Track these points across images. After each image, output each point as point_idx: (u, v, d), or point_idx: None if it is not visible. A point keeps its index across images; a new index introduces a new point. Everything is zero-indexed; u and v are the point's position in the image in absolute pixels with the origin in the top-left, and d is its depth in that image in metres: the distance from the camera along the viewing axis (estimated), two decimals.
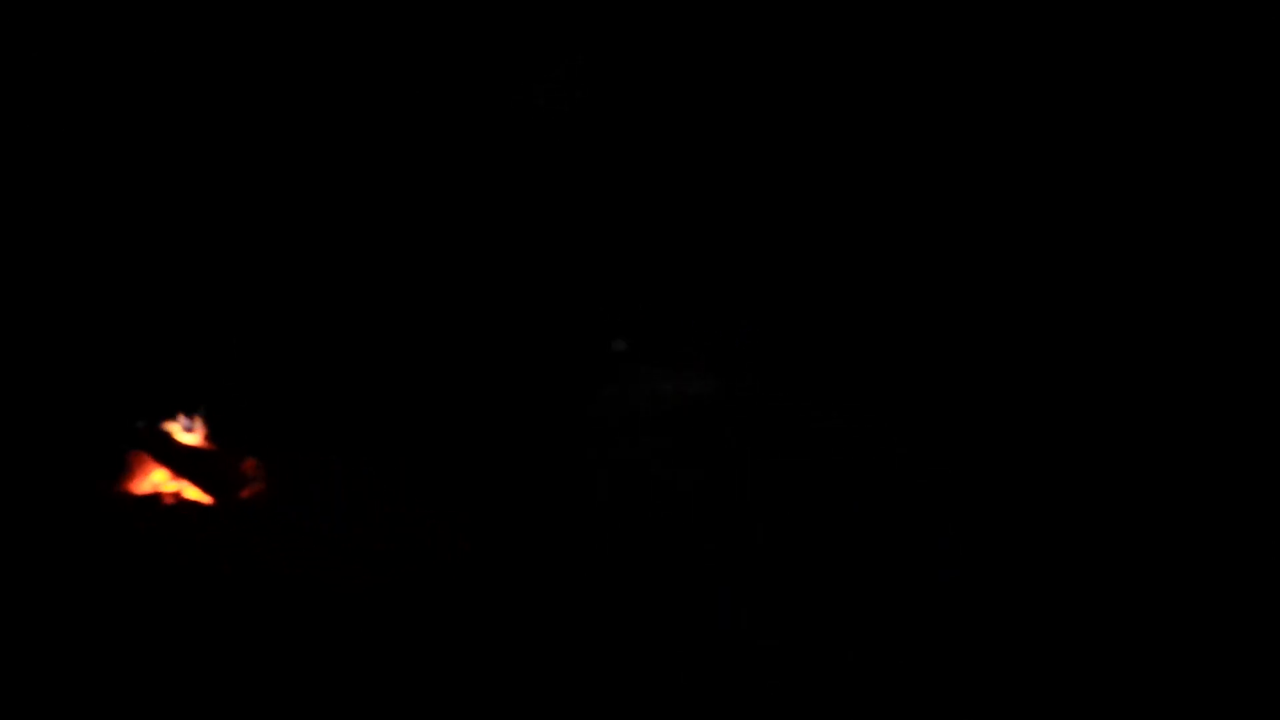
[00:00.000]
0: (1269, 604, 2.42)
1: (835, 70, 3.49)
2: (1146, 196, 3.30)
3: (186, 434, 2.75)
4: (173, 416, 2.75)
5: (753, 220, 3.69)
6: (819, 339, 3.51)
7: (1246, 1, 3.15)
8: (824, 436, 3.05)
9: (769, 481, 2.86)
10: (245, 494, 2.65)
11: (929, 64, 3.43)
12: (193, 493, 2.65)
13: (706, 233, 3.71)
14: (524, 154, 3.52)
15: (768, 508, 2.75)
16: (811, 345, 3.49)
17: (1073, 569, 2.54)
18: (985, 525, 2.69)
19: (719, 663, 2.27)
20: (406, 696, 2.18)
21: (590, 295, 3.66)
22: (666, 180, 3.68)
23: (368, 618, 2.33)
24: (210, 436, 2.77)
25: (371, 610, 2.35)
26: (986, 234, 3.47)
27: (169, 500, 2.61)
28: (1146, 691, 2.24)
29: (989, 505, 2.76)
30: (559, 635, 2.32)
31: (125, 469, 2.67)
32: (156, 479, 2.68)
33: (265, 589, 2.38)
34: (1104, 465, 2.90)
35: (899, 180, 3.54)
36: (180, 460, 2.69)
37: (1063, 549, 2.61)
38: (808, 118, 3.56)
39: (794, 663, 2.27)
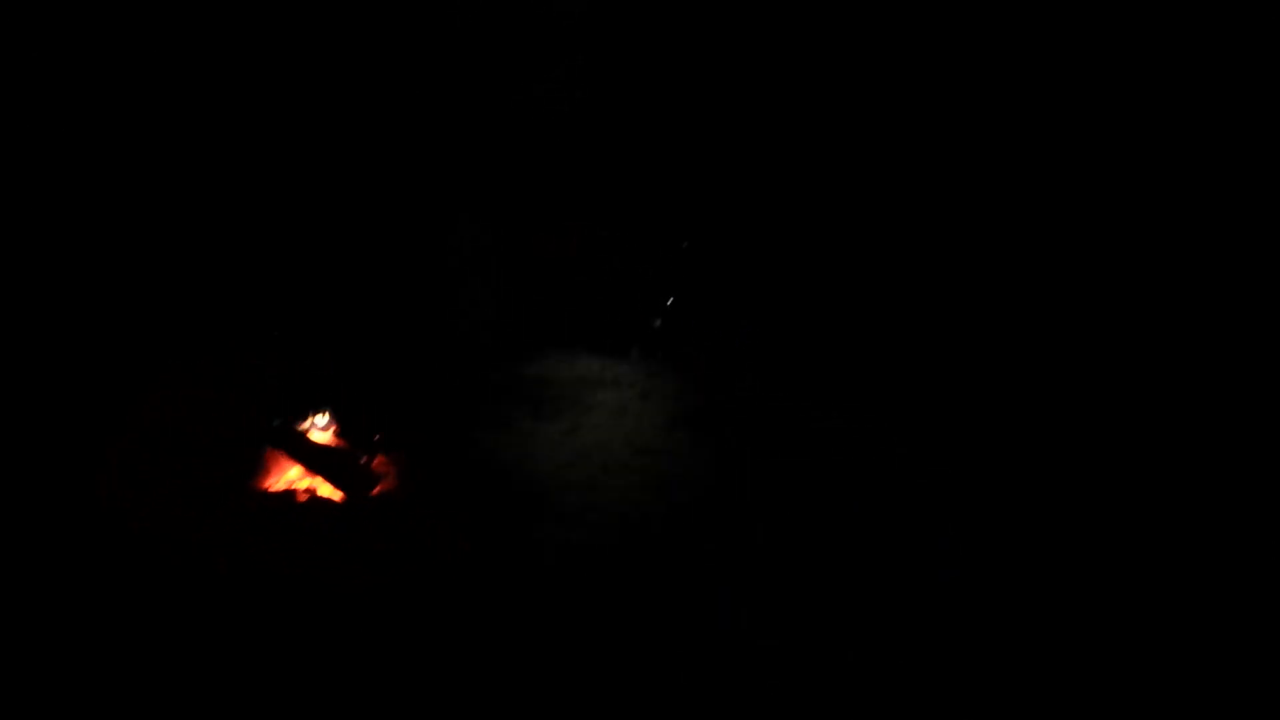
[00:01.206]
0: (1268, 604, 2.43)
1: (835, 72, 3.49)
2: (1145, 198, 3.30)
3: (319, 432, 2.79)
4: (306, 416, 2.79)
5: (753, 222, 3.69)
6: (819, 339, 3.51)
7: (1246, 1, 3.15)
8: (824, 436, 3.06)
9: (769, 481, 2.87)
10: (375, 492, 2.69)
11: (928, 66, 3.43)
12: (325, 489, 2.68)
13: (706, 234, 3.71)
14: (525, 152, 3.52)
15: (768, 508, 2.75)
16: (811, 345, 3.49)
17: (1072, 568, 2.54)
18: (985, 525, 2.69)
19: (719, 663, 2.27)
20: (406, 696, 2.18)
21: (589, 296, 3.66)
22: (666, 181, 3.68)
23: (368, 618, 2.33)
24: (341, 434, 2.81)
25: (371, 610, 2.35)
26: (986, 236, 3.47)
27: (303, 497, 2.63)
28: (1146, 690, 2.24)
29: (989, 505, 2.76)
30: (559, 635, 2.32)
31: (262, 466, 2.69)
32: (291, 476, 2.71)
33: (265, 589, 2.38)
34: (1103, 465, 2.90)
35: (899, 183, 3.54)
36: (313, 458, 2.72)
37: (1062, 548, 2.61)
38: (808, 121, 3.57)
39: (794, 663, 2.27)
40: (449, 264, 3.48)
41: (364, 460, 2.75)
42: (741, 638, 2.33)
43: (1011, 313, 3.39)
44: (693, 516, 2.72)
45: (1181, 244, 3.25)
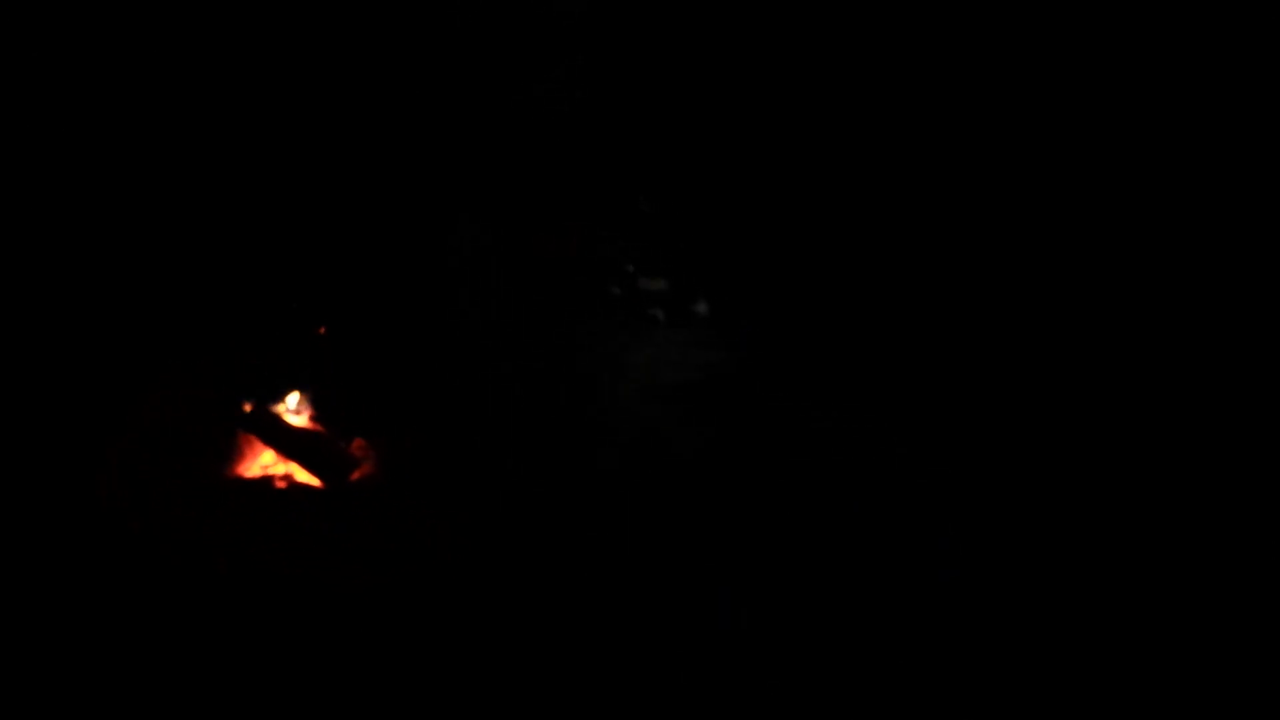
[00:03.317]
0: (1268, 604, 2.43)
1: (835, 72, 3.49)
2: (1145, 198, 3.30)
3: (293, 416, 2.72)
4: (280, 399, 2.72)
5: (752, 222, 3.69)
6: (819, 339, 3.51)
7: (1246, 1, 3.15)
8: (824, 436, 3.05)
9: (768, 481, 2.86)
10: (354, 476, 2.63)
11: (927, 65, 3.43)
12: (302, 475, 2.63)
13: (707, 235, 3.71)
14: (525, 152, 3.52)
15: (767, 507, 2.75)
16: (811, 345, 3.49)
17: (1072, 568, 2.54)
18: (985, 525, 2.69)
19: (719, 663, 2.26)
20: (406, 696, 2.18)
21: (586, 300, 3.66)
22: (665, 182, 3.68)
23: (368, 618, 2.33)
24: (316, 418, 2.74)
25: (371, 610, 2.35)
26: (986, 236, 3.47)
27: (280, 483, 2.59)
28: (1145, 690, 2.24)
29: (989, 505, 2.76)
30: (559, 634, 2.32)
31: (237, 451, 2.64)
32: (265, 461, 2.66)
33: (265, 589, 2.38)
34: (1102, 465, 2.90)
35: (899, 182, 3.54)
36: (288, 442, 2.67)
37: (1062, 548, 2.61)
38: (808, 120, 3.56)
39: (794, 663, 2.27)
40: (449, 264, 3.48)
41: (341, 444, 2.68)
42: (741, 638, 2.33)
43: (1011, 313, 3.39)
44: (693, 516, 2.72)
45: (1182, 244, 3.25)
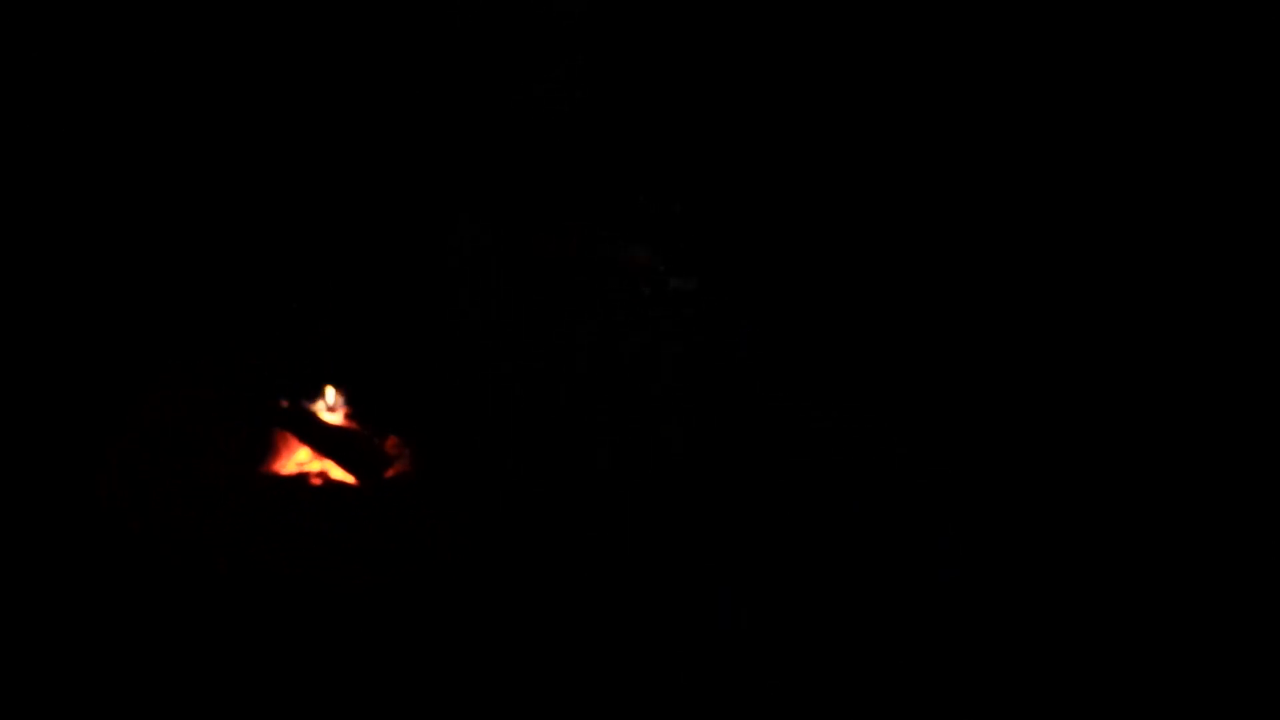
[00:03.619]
0: (1269, 605, 2.43)
1: (835, 69, 3.49)
2: (1147, 196, 3.30)
3: (329, 413, 2.74)
4: (315, 395, 2.74)
5: (752, 220, 3.68)
6: (818, 339, 3.51)
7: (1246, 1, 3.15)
8: (824, 436, 3.05)
9: (768, 481, 2.86)
10: (389, 474, 2.64)
11: (927, 64, 3.43)
12: (337, 472, 2.64)
13: (706, 234, 3.71)
14: (525, 152, 3.52)
15: (767, 507, 2.75)
16: (811, 345, 3.48)
17: (1073, 569, 2.54)
18: (985, 525, 2.69)
19: (719, 663, 2.27)
20: (405, 697, 2.18)
21: (586, 300, 3.66)
22: (665, 181, 3.68)
23: (368, 618, 2.33)
24: (353, 415, 2.75)
25: (371, 610, 2.35)
26: (986, 233, 3.47)
27: (315, 480, 2.59)
28: (1147, 692, 2.24)
29: (989, 505, 2.76)
30: (559, 635, 2.32)
31: (272, 449, 2.65)
32: (300, 458, 2.67)
33: (264, 589, 2.38)
34: (1105, 464, 2.90)
35: (899, 180, 3.54)
36: (323, 439, 2.68)
37: (1063, 549, 2.61)
38: (808, 119, 3.56)
39: (794, 663, 2.27)
40: (449, 264, 3.48)
41: (376, 441, 2.69)
42: (741, 638, 2.33)
43: (1011, 312, 3.39)
44: (693, 515, 2.72)
45: (1184, 244, 3.25)
